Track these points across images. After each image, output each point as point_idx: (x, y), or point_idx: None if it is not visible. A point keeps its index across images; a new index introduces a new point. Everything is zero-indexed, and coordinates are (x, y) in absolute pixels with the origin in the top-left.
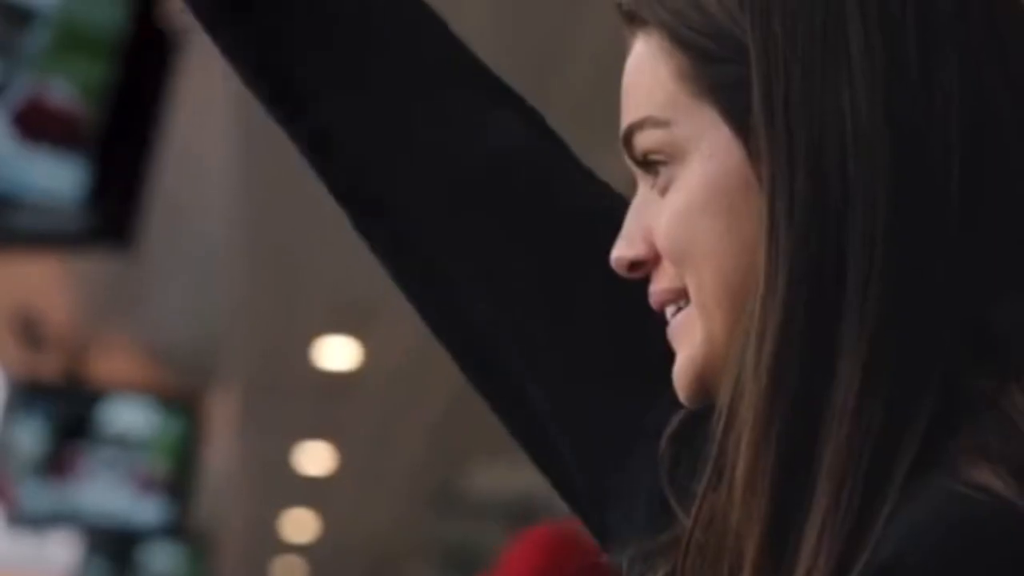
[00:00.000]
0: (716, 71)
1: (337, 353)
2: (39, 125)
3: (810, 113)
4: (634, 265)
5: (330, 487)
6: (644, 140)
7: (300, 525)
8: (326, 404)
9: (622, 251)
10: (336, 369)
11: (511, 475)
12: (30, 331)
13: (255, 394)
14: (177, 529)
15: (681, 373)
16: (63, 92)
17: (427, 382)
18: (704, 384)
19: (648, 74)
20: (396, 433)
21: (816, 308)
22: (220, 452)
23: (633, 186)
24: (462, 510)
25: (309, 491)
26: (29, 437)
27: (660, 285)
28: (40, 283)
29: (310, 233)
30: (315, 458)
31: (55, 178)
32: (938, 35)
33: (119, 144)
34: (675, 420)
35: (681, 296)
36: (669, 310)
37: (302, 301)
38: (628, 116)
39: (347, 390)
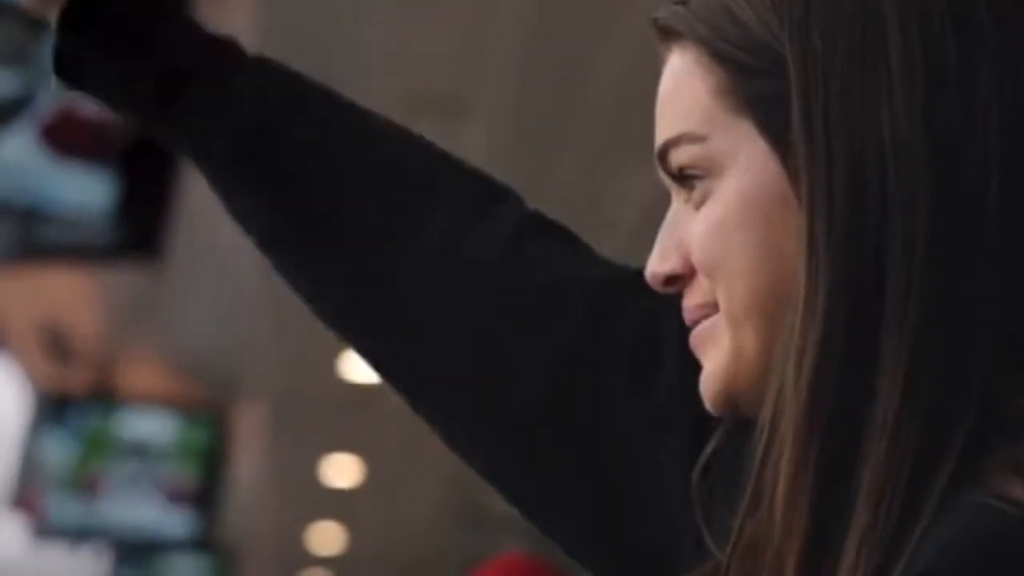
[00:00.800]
0: (754, 85)
1: (363, 366)
2: (69, 138)
3: (850, 129)
4: (669, 280)
5: (356, 499)
6: (680, 155)
7: (327, 537)
8: (352, 417)
9: (656, 266)
10: (362, 382)
11: None
12: (58, 344)
13: (281, 406)
14: (204, 541)
15: (709, 383)
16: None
17: None
18: (732, 395)
19: (684, 89)
20: (421, 446)
21: (856, 322)
22: (247, 464)
23: (660, 202)
24: (486, 524)
25: (335, 503)
26: (57, 450)
27: (693, 300)
28: (68, 296)
29: None
30: (341, 470)
31: (83, 191)
32: (976, 44)
33: (147, 158)
34: (705, 454)
35: (715, 310)
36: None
37: None
38: (664, 132)
39: (373, 403)
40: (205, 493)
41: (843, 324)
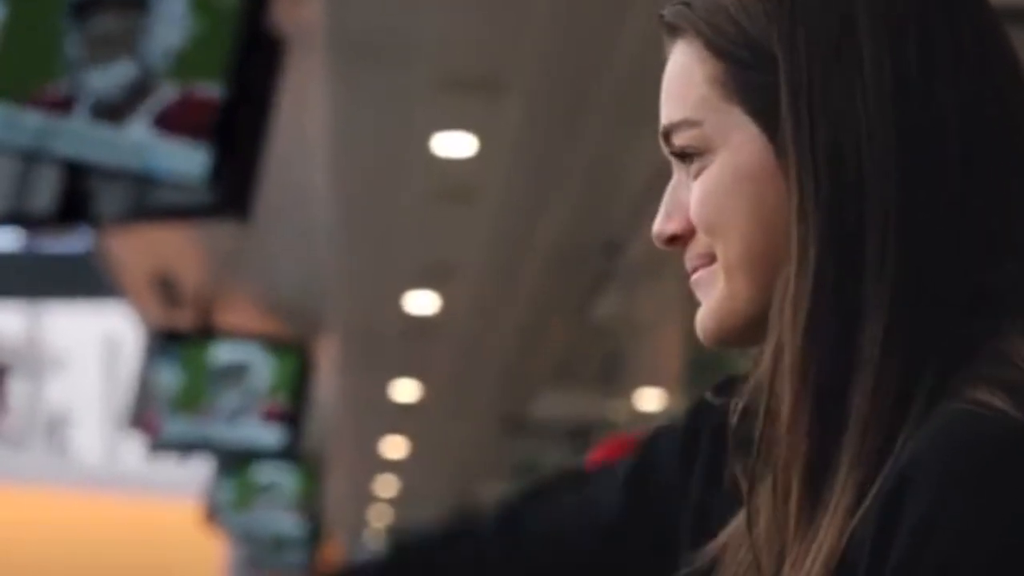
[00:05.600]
0: (746, 76)
1: (421, 304)
2: (178, 122)
3: (830, 116)
4: (672, 238)
5: (417, 415)
6: (680, 138)
7: (394, 447)
8: (413, 346)
9: (662, 225)
10: (421, 315)
11: (568, 403)
12: (167, 289)
13: (354, 339)
14: (293, 452)
15: (706, 319)
16: (207, 91)
17: (495, 327)
18: (723, 331)
19: (686, 78)
20: (471, 369)
21: (842, 276)
22: (327, 387)
23: (668, 162)
24: (527, 433)
25: (400, 419)
26: (167, 378)
27: (695, 251)
28: (175, 249)
29: (398, 206)
30: (405, 391)
31: (186, 161)
32: (934, 46)
33: (239, 133)
34: (735, 410)
35: (713, 260)
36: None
37: (392, 262)
38: (667, 116)
39: (429, 335)
40: (293, 412)
41: (831, 277)
